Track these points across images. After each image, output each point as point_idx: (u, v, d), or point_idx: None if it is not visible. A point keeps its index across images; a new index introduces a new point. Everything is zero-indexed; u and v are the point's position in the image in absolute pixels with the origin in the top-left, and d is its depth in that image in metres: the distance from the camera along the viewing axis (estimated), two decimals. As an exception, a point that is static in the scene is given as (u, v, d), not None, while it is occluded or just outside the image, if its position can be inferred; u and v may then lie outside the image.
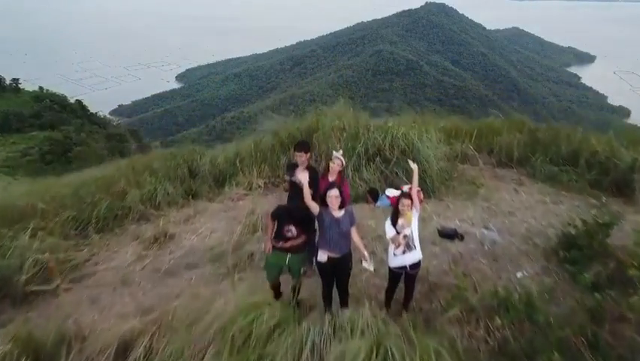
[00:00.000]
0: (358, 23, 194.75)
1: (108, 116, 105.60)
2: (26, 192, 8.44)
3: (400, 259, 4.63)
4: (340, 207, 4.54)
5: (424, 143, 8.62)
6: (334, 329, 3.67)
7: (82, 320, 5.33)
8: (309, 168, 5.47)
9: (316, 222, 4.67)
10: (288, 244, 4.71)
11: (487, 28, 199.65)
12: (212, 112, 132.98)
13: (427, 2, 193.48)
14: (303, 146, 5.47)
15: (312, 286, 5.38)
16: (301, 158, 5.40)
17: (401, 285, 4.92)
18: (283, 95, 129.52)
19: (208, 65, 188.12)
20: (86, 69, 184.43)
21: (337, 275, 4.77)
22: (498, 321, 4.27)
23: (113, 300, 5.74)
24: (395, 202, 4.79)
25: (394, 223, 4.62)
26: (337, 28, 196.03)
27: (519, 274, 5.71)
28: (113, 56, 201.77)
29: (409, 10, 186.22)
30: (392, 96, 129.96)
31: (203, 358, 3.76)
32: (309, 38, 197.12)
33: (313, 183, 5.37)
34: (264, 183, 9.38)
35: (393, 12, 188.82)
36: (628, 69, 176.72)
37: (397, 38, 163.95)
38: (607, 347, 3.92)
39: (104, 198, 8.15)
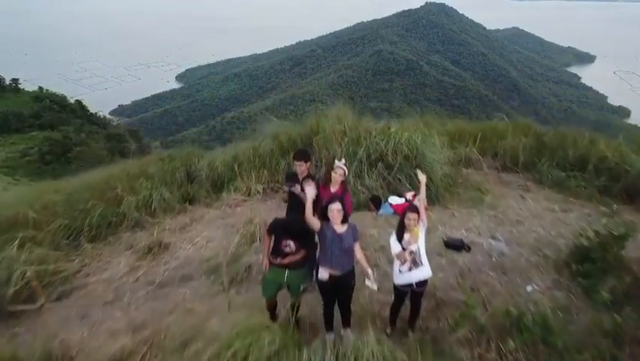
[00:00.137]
0: (358, 23, 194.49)
1: (108, 116, 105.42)
2: (17, 200, 8.17)
3: (406, 276, 4.35)
4: (343, 221, 4.27)
5: (427, 147, 8.35)
6: (337, 357, 3.40)
7: (70, 338, 5.10)
8: (308, 176, 5.19)
9: (316, 237, 4.39)
10: (287, 260, 4.41)
11: (487, 28, 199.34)
12: (212, 112, 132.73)
13: (427, 2, 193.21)
14: (303, 155, 5.21)
15: (312, 302, 5.12)
16: (301, 167, 5.13)
17: (407, 302, 4.65)
18: (283, 95, 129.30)
19: (208, 65, 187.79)
20: (86, 69, 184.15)
21: (339, 294, 4.49)
22: (511, 344, 4.00)
23: (103, 315, 5.47)
24: (400, 213, 4.50)
25: (400, 238, 4.35)
26: (337, 28, 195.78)
27: (529, 288, 5.45)
28: (113, 56, 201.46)
29: (408, 10, 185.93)
30: (392, 96, 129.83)
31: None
32: (309, 38, 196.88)
33: (313, 193, 5.11)
34: (263, 188, 9.12)
35: (393, 12, 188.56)
36: (628, 69, 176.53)
37: (397, 38, 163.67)
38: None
39: (97, 204, 7.88)
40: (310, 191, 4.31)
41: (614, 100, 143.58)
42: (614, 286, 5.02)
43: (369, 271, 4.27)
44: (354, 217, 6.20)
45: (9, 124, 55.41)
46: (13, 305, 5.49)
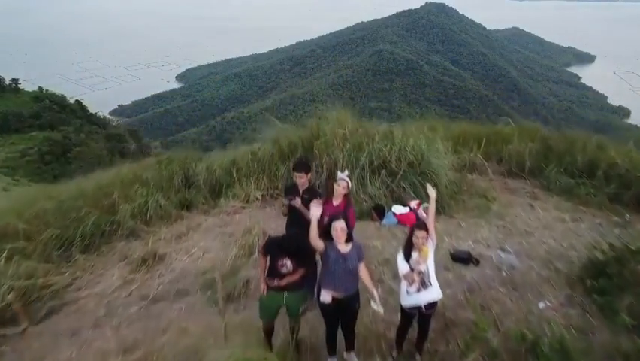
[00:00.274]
0: (358, 23, 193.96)
1: (108, 116, 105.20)
2: (7, 209, 7.89)
3: (413, 297, 4.06)
4: (347, 240, 3.99)
5: (432, 153, 8.08)
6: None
7: (58, 358, 4.84)
8: (309, 189, 4.92)
9: (317, 256, 4.11)
10: (284, 282, 4.11)
11: (487, 28, 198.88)
12: (212, 112, 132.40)
13: (427, 2, 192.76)
14: (304, 166, 4.93)
15: (313, 321, 4.84)
16: (301, 179, 4.85)
17: (414, 323, 4.37)
18: (283, 95, 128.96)
19: (208, 65, 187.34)
20: (86, 69, 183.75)
21: (343, 317, 4.21)
22: (527, 371, 3.73)
23: (93, 333, 5.19)
24: (408, 230, 4.21)
25: (407, 257, 4.07)
26: (337, 28, 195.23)
27: (541, 305, 5.18)
28: (113, 56, 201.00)
29: (408, 10, 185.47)
30: (392, 96, 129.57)
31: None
32: (309, 38, 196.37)
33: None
34: (262, 195, 8.84)
35: (394, 12, 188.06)
36: (628, 69, 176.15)
37: (397, 38, 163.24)
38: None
39: (91, 212, 7.61)
40: (316, 210, 3.98)
41: (614, 100, 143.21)
42: (631, 304, 4.75)
43: (375, 293, 3.99)
44: (356, 228, 5.95)
45: (9, 124, 55.28)
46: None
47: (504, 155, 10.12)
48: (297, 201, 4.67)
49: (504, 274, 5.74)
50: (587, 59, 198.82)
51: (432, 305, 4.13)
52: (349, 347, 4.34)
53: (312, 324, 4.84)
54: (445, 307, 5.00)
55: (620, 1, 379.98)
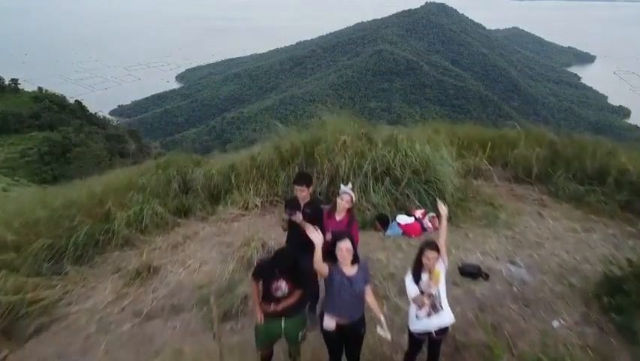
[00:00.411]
0: (358, 23, 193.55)
1: (108, 116, 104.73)
2: (-3, 217, 7.62)
3: (423, 322, 3.77)
4: (352, 261, 3.71)
5: (437, 160, 7.80)
6: None
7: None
8: (311, 203, 4.64)
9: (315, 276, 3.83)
10: (281, 307, 3.81)
11: (487, 28, 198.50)
12: (212, 112, 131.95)
13: (427, 2, 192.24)
14: (305, 178, 4.65)
15: (314, 342, 4.54)
16: (302, 192, 4.57)
17: (423, 348, 4.09)
18: (283, 95, 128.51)
19: (208, 65, 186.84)
20: (85, 69, 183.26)
21: (347, 344, 3.92)
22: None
23: (83, 355, 4.91)
24: (418, 250, 3.92)
25: (417, 279, 3.78)
26: (337, 28, 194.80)
27: (555, 324, 4.91)
28: (113, 56, 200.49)
29: (408, 10, 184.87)
30: (392, 96, 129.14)
31: None
32: (309, 38, 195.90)
33: (316, 221, 4.55)
34: (262, 202, 8.57)
35: (394, 12, 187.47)
36: (628, 69, 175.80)
37: (397, 38, 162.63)
38: None
39: (84, 221, 7.34)
40: (316, 238, 3.65)
41: (614, 100, 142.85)
42: (651, 324, 4.49)
43: (382, 317, 3.68)
44: (359, 239, 5.65)
45: (8, 124, 54.94)
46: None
47: (509, 159, 9.86)
48: (298, 216, 4.39)
49: (515, 289, 5.46)
50: (587, 59, 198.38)
51: (443, 330, 3.85)
52: (354, 373, 4.05)
53: (314, 346, 4.55)
54: (454, 327, 4.69)
55: (620, 1, 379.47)
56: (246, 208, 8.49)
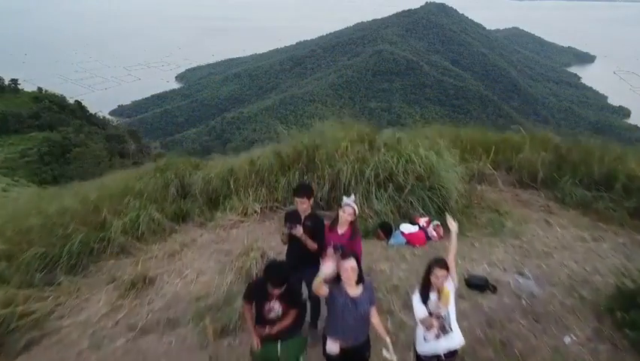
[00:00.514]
0: (358, 23, 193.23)
1: (108, 116, 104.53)
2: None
3: (432, 345, 3.56)
4: (357, 281, 3.48)
5: (441, 165, 7.59)
6: None
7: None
8: (312, 215, 4.43)
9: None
10: (275, 329, 3.59)
11: (487, 28, 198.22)
12: (212, 112, 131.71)
13: (427, 2, 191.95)
14: (305, 190, 4.44)
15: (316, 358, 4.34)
16: (303, 205, 4.36)
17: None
18: (283, 95, 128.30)
19: (208, 65, 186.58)
20: (85, 69, 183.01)
21: (351, 368, 3.70)
22: None
23: (74, 374, 4.72)
24: (425, 268, 3.69)
25: (425, 299, 3.57)
26: (337, 28, 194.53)
27: (567, 340, 4.71)
28: (113, 56, 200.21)
29: (408, 10, 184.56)
30: (392, 96, 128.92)
31: None
32: (309, 38, 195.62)
33: (318, 234, 4.35)
34: (261, 208, 8.36)
35: (394, 12, 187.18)
36: (628, 69, 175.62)
37: (397, 38, 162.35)
38: None
39: (79, 229, 7.14)
40: (328, 269, 3.39)
41: (614, 100, 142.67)
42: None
43: (388, 339, 3.48)
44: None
45: (8, 125, 54.82)
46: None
47: (514, 163, 9.66)
48: (299, 230, 4.18)
49: (524, 303, 5.26)
50: (587, 59, 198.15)
51: (452, 353, 3.64)
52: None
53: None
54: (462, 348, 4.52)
55: (620, 1, 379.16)
56: (245, 214, 8.29)
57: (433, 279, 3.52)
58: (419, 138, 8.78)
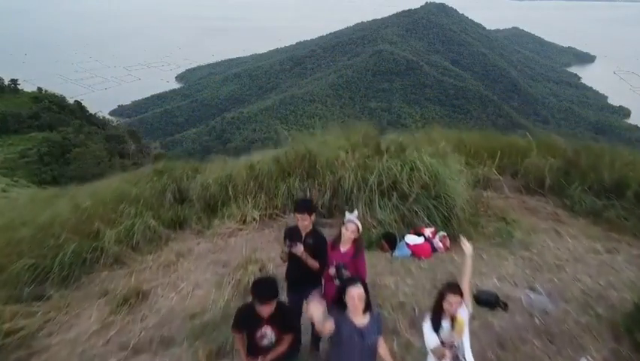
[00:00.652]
0: (358, 23, 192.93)
1: (108, 116, 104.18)
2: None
3: (444, 377, 3.30)
4: (365, 309, 3.20)
5: (446, 173, 7.31)
6: None
7: None
8: (313, 233, 4.14)
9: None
10: (269, 358, 3.31)
11: (487, 28, 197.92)
12: (212, 112, 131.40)
13: (427, 2, 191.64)
14: (306, 206, 4.14)
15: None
16: (304, 221, 4.06)
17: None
18: (283, 95, 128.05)
19: (208, 65, 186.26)
20: (85, 69, 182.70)
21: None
22: None
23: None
24: (438, 293, 3.40)
25: (436, 326, 3.30)
26: (337, 28, 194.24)
27: (583, 361, 4.44)
28: (113, 56, 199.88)
29: (408, 10, 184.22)
30: (392, 96, 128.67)
31: None
32: (309, 38, 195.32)
33: (319, 253, 4.07)
34: (260, 215, 8.09)
35: (394, 12, 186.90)
36: (628, 69, 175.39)
37: (397, 38, 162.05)
38: None
39: (71, 239, 6.88)
40: (316, 311, 3.07)
41: (614, 100, 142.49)
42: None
43: (396, 372, 3.23)
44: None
45: (7, 125, 54.65)
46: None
47: (519, 168, 9.40)
48: (299, 249, 3.90)
49: (537, 321, 4.98)
50: (587, 59, 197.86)
51: (466, 385, 3.36)
52: None
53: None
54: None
55: (620, 1, 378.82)
56: (244, 222, 8.03)
57: (445, 306, 3.24)
58: (423, 143, 8.53)
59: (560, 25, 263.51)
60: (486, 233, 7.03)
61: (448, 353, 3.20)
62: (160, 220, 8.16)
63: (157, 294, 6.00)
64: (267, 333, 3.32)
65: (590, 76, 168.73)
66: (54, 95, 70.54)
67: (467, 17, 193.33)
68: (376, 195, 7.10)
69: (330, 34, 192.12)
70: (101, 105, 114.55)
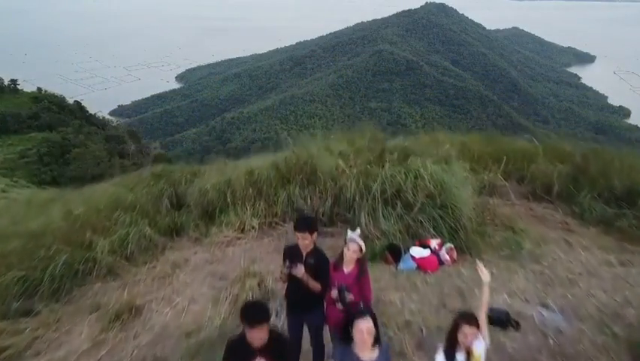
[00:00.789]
0: (358, 23, 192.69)
1: (107, 116, 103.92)
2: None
3: (458, 414, 3.04)
4: (374, 343, 2.95)
5: (452, 181, 7.05)
6: None
7: None
8: (314, 252, 3.85)
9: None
10: None
11: (487, 28, 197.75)
12: (212, 112, 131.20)
13: (427, 2, 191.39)
14: (307, 224, 3.84)
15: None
16: (305, 240, 3.77)
17: None
18: (283, 95, 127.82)
19: (208, 65, 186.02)
20: (85, 69, 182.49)
21: None
22: None
23: None
24: (452, 323, 3.13)
25: (450, 359, 3.03)
26: (337, 28, 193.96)
27: (601, 386, 4.18)
28: (112, 56, 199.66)
29: (408, 10, 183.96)
30: (392, 96, 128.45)
31: None
32: (309, 38, 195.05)
33: (321, 274, 3.80)
34: (259, 223, 7.83)
35: (394, 12, 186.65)
36: (628, 69, 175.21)
37: (397, 38, 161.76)
38: None
39: (62, 250, 6.60)
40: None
41: (614, 100, 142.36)
42: None
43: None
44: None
45: (7, 125, 54.47)
46: None
47: (526, 174, 9.13)
48: (300, 270, 3.61)
49: (551, 341, 4.71)
50: (587, 59, 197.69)
51: (482, 422, 3.10)
52: None
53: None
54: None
55: (620, 1, 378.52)
56: (242, 230, 7.78)
57: (460, 337, 2.99)
58: (427, 148, 8.28)
59: (559, 25, 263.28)
60: (493, 244, 6.76)
61: (462, 389, 2.94)
62: (156, 228, 7.93)
63: (151, 309, 5.74)
64: None
65: (590, 76, 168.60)
66: (54, 96, 70.31)
67: (467, 17, 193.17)
68: (380, 204, 6.83)
69: (330, 34, 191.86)
70: (100, 105, 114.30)
